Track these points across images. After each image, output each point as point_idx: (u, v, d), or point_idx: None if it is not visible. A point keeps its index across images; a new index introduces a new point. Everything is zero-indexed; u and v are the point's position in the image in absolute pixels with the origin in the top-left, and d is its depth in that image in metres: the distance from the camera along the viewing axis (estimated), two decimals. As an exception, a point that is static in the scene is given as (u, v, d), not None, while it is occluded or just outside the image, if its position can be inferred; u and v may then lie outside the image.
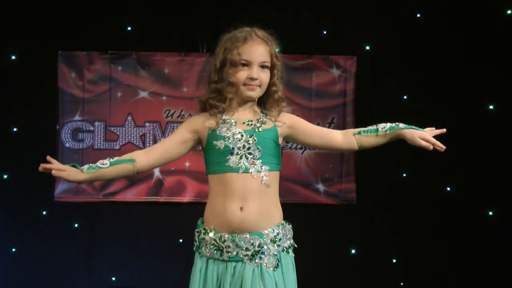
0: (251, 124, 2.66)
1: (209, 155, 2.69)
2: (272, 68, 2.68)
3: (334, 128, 6.57)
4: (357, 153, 6.70)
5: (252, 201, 2.60)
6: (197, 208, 6.64)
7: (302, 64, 6.92)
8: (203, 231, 2.69)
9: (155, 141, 6.61)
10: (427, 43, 6.64)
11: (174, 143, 2.73)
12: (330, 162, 6.88)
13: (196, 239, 2.72)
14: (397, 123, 2.78)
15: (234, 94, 2.67)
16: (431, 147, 2.69)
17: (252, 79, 2.62)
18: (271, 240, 2.62)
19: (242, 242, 2.59)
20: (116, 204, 6.60)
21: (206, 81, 2.78)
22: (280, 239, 2.65)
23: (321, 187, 6.87)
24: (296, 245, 2.76)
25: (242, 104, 2.71)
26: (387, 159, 6.48)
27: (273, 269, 2.57)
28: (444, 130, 2.76)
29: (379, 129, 2.77)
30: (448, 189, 6.65)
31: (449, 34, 6.67)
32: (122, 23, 6.54)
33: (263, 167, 2.62)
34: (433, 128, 2.76)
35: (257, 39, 2.66)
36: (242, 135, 2.62)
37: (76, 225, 6.61)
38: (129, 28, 6.60)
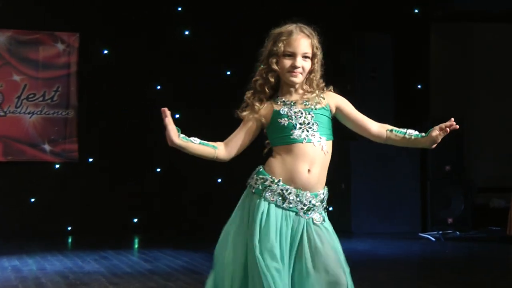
0: (308, 104, 2.97)
1: (272, 130, 2.98)
2: (313, 57, 2.98)
3: (59, 96, 7.57)
4: (79, 117, 7.52)
5: (316, 166, 2.93)
6: None
7: (30, 39, 7.56)
8: (269, 179, 2.93)
9: None
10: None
11: (244, 132, 2.97)
12: (55, 125, 7.54)
13: (259, 184, 2.93)
14: (422, 133, 3.03)
15: (281, 81, 2.98)
16: (448, 130, 2.98)
17: (295, 67, 2.94)
18: (320, 201, 2.96)
19: (303, 198, 2.92)
20: None
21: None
22: (325, 201, 3.01)
23: (47, 147, 7.54)
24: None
25: (290, 88, 2.99)
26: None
27: (321, 222, 2.96)
28: (457, 126, 2.99)
29: (407, 133, 3.04)
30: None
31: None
32: None
33: (322, 138, 2.96)
34: (443, 127, 2.98)
35: (301, 34, 2.97)
36: (302, 113, 2.94)
37: None
38: None
